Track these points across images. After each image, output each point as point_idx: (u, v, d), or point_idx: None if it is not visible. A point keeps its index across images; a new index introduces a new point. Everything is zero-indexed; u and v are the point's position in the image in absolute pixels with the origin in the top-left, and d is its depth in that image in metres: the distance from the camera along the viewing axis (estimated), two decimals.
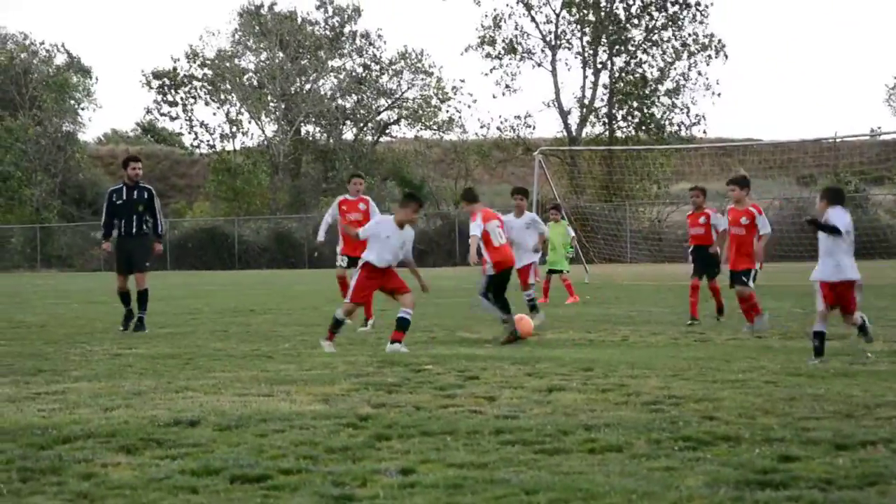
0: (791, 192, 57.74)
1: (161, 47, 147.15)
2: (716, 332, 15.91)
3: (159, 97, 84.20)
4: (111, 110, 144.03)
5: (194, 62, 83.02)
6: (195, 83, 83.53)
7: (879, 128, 79.48)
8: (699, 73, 71.32)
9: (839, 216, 11.98)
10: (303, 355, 13.17)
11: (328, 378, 10.70)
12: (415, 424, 7.84)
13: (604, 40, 72.19)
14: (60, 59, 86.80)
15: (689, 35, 71.27)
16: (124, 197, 18.04)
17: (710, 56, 71.20)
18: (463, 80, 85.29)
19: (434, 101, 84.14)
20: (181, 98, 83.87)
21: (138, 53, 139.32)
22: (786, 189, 57.76)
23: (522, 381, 10.26)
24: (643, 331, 16.34)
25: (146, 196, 18.13)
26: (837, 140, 51.95)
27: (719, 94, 72.42)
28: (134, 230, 18.00)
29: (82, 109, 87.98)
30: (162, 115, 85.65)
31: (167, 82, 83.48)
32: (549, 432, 7.48)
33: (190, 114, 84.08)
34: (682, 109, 71.45)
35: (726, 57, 71.61)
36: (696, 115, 71.87)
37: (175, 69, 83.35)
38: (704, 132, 72.44)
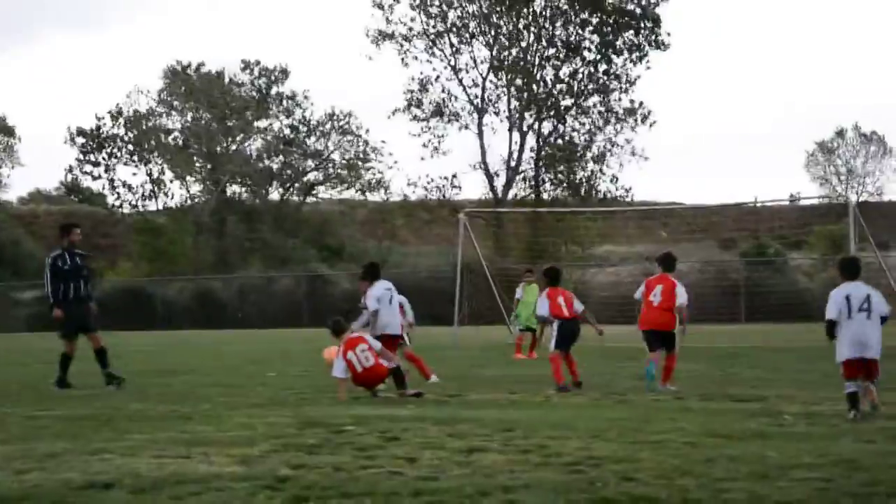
0: (712, 254, 58.46)
1: (86, 107, 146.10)
2: (637, 393, 16.00)
3: (81, 156, 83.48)
4: (35, 169, 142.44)
5: (118, 121, 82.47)
6: (118, 142, 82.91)
7: (798, 193, 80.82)
8: (627, 141, 72.01)
9: (830, 299, 12.57)
10: (223, 416, 13.04)
11: (247, 439, 10.60)
12: (333, 486, 7.80)
13: (531, 105, 72.84)
14: None
15: (616, 101, 72.13)
16: (69, 262, 18.28)
17: (636, 121, 72.02)
18: (384, 141, 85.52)
19: (359, 163, 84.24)
20: (103, 157, 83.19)
21: (63, 112, 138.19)
22: (708, 252, 58.48)
23: (444, 442, 10.24)
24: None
25: (85, 260, 18.62)
26: (758, 205, 52.79)
27: (646, 159, 72.96)
28: (82, 293, 18.37)
29: (2, 168, 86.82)
30: (84, 173, 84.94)
31: (90, 142, 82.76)
32: (469, 493, 7.47)
33: (112, 173, 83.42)
34: (609, 176, 71.99)
35: (651, 124, 72.33)
36: (621, 183, 72.33)
37: (99, 127, 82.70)
38: (627, 191, 72.87)
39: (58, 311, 18.27)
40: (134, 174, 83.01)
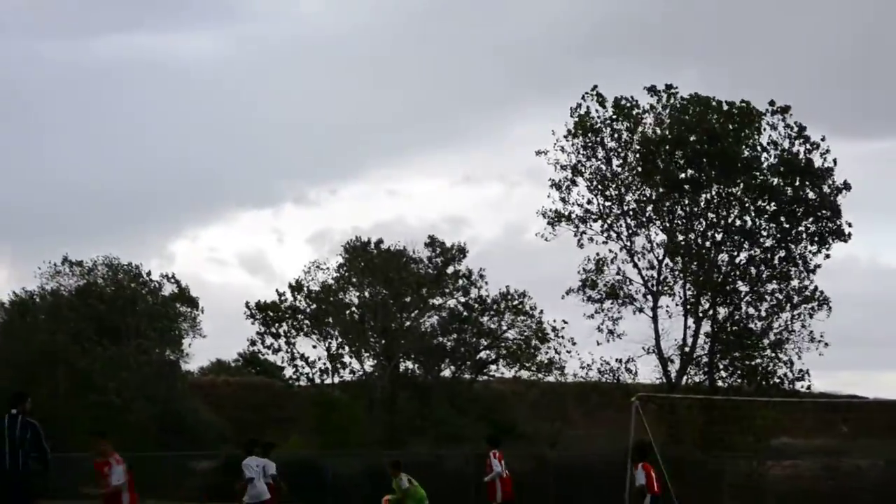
0: None
1: (267, 279, 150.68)
2: None
3: (263, 329, 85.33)
4: (215, 340, 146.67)
5: (299, 294, 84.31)
6: (298, 316, 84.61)
7: None
8: (803, 326, 70.29)
9: None
10: None
11: None
12: None
13: (706, 290, 71.92)
14: (168, 290, 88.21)
15: (794, 289, 70.58)
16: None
17: (813, 308, 70.34)
18: (566, 322, 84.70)
19: (533, 342, 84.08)
20: (284, 330, 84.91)
21: (244, 284, 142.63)
22: (891, 449, 56.28)
23: None
24: None
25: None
26: None
27: (826, 345, 70.78)
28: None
29: (185, 338, 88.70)
30: (266, 347, 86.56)
31: (271, 314, 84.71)
32: None
33: (292, 347, 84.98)
34: (785, 363, 70.13)
35: (830, 309, 70.48)
36: (801, 371, 70.28)
37: (280, 301, 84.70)
38: (808, 387, 70.61)
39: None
40: (314, 347, 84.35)
